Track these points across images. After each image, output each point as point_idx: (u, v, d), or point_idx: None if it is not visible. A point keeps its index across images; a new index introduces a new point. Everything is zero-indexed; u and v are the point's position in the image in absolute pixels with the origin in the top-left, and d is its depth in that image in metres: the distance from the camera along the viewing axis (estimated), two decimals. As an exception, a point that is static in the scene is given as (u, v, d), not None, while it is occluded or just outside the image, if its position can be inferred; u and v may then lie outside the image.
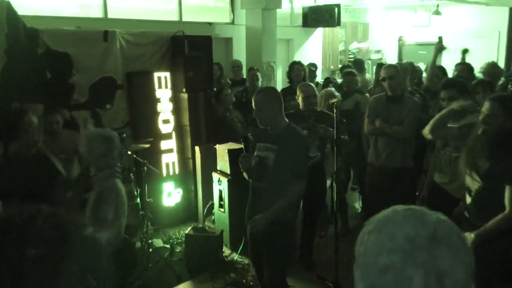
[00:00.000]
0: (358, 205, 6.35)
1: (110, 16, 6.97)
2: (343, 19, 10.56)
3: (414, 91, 5.45)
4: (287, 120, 3.62)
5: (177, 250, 5.05)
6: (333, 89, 5.49)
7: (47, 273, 0.77)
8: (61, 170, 3.61)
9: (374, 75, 7.68)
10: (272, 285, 3.61)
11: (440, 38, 5.69)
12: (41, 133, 3.68)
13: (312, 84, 4.93)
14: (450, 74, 6.32)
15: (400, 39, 8.96)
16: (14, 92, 4.55)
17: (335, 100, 4.18)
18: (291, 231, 3.65)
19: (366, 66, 9.08)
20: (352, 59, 10.50)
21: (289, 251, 3.71)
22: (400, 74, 4.73)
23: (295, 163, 3.45)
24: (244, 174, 3.74)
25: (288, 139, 3.48)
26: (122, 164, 2.10)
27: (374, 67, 8.87)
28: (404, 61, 7.34)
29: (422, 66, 8.39)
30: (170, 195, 5.71)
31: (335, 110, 4.03)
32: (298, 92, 4.77)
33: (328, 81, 7.09)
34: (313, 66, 7.82)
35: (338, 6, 9.78)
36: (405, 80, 5.25)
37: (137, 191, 4.79)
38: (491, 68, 5.84)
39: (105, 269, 0.88)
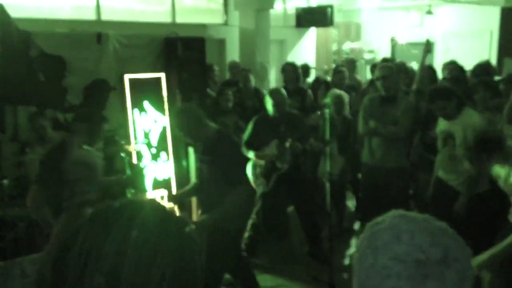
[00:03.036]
0: (351, 204, 6.37)
1: (103, 18, 6.97)
2: (336, 19, 10.60)
3: (408, 90, 5.49)
4: (214, 126, 3.57)
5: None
6: (338, 91, 5.47)
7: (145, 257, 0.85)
8: None
9: (369, 75, 7.71)
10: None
11: (428, 41, 5.73)
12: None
13: (282, 90, 4.90)
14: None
15: (392, 40, 9.01)
16: (7, 94, 4.55)
17: (327, 100, 4.21)
18: (233, 239, 3.56)
19: (359, 66, 9.12)
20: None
21: (227, 259, 3.58)
22: (395, 74, 4.76)
23: (229, 171, 3.38)
24: None
25: (217, 148, 3.42)
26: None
27: (368, 67, 8.93)
28: (397, 61, 7.37)
29: (415, 65, 8.44)
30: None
31: (326, 111, 4.05)
32: (268, 98, 4.76)
33: (317, 82, 7.09)
34: (305, 66, 7.84)
35: (331, 6, 9.82)
36: (399, 80, 5.28)
37: (130, 193, 4.78)
38: (484, 67, 5.88)
39: None
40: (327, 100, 4.21)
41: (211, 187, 3.44)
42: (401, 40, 10.59)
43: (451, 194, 4.02)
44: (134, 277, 0.84)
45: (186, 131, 3.52)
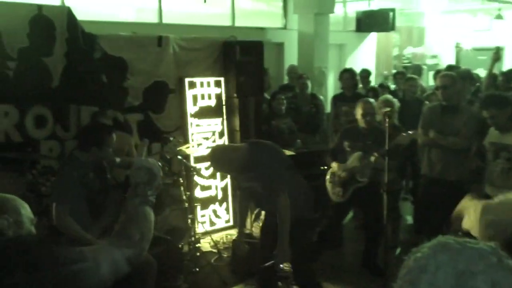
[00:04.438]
0: (410, 216, 6.15)
1: (164, 21, 7.12)
2: (398, 23, 10.33)
3: (473, 99, 5.23)
4: (243, 145, 3.62)
5: (224, 255, 5.06)
6: (390, 96, 5.33)
7: None
8: (110, 175, 3.72)
9: (431, 82, 7.43)
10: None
11: (497, 48, 5.42)
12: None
13: (372, 101, 4.79)
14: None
15: (457, 46, 8.64)
16: (72, 94, 4.71)
17: (388, 109, 4.06)
18: (310, 227, 3.71)
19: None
20: (407, 64, 10.25)
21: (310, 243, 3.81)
22: (457, 83, 4.53)
23: (272, 181, 3.45)
24: None
25: (259, 163, 3.46)
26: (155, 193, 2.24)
27: (431, 73, 8.63)
28: (462, 67, 7.06)
29: (481, 72, 8.06)
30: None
31: (387, 120, 3.91)
32: (357, 108, 4.67)
33: (381, 88, 6.89)
34: (366, 72, 7.66)
35: (393, 10, 9.57)
36: (464, 89, 5.02)
37: (185, 195, 4.83)
38: None
39: None
40: (387, 108, 4.06)
41: (270, 198, 3.49)
42: (467, 45, 10.15)
43: None
44: None
45: (229, 172, 3.66)
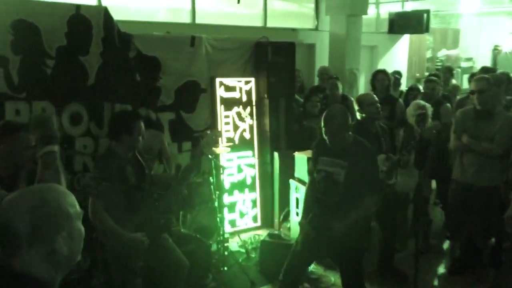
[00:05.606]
0: (440, 221, 6.04)
1: (197, 21, 7.18)
2: (432, 24, 10.15)
3: (509, 104, 5.10)
4: (351, 134, 3.55)
5: (252, 255, 5.08)
6: (422, 102, 5.26)
7: None
8: (148, 172, 3.75)
9: (466, 85, 7.28)
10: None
11: None
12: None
13: (371, 93, 4.74)
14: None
15: (495, 48, 8.42)
16: (107, 92, 4.81)
17: (421, 112, 4.00)
18: (367, 234, 3.76)
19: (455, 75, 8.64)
20: (439, 67, 10.07)
21: (363, 252, 3.77)
22: (492, 87, 4.42)
23: (370, 177, 3.45)
24: None
25: (358, 154, 3.43)
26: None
27: (465, 76, 8.46)
28: (499, 70, 6.89)
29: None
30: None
31: (420, 124, 3.86)
32: (357, 104, 4.59)
33: (412, 90, 6.78)
34: (397, 74, 7.56)
35: (428, 12, 9.40)
36: (499, 93, 4.90)
37: (215, 194, 4.87)
38: None
39: None
40: (419, 111, 4.00)
41: (346, 190, 3.44)
42: (506, 47, 9.90)
43: None
44: None
45: (339, 133, 3.45)
